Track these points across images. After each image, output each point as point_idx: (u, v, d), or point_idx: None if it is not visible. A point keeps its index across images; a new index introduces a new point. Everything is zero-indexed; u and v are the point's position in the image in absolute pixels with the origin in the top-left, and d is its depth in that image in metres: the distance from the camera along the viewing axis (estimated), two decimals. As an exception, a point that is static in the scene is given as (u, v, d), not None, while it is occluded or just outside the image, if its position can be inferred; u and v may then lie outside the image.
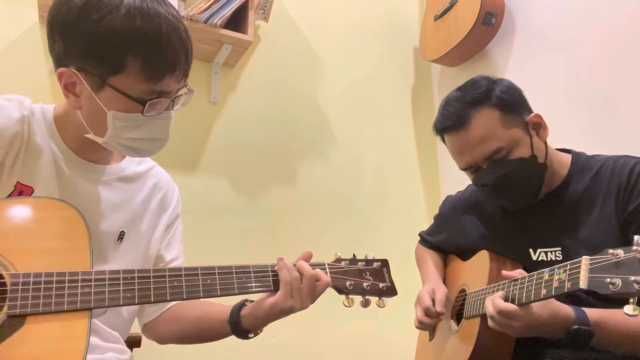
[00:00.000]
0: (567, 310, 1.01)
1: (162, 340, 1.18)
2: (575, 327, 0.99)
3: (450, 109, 1.21)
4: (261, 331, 1.06)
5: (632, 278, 0.78)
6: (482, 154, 1.17)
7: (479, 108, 1.18)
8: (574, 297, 1.11)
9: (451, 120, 1.20)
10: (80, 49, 0.88)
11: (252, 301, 1.07)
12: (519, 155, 1.16)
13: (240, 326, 1.04)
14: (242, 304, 1.07)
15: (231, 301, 1.07)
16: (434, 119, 1.28)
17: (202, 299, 1.12)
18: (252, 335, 1.06)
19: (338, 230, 2.20)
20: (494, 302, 1.05)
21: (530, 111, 1.23)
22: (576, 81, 1.84)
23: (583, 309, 1.02)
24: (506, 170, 1.16)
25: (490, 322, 1.06)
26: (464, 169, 1.24)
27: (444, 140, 1.28)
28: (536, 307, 1.00)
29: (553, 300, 1.02)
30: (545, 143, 1.22)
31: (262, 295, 1.04)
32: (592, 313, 1.01)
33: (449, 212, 1.50)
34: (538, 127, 1.21)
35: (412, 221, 2.37)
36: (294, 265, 1.04)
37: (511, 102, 1.19)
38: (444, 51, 2.26)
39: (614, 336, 1.01)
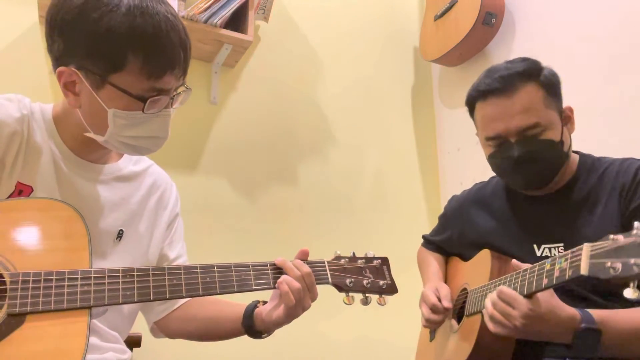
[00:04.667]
0: (571, 309, 1.00)
1: (172, 336, 1.19)
2: (583, 325, 0.98)
3: (500, 74, 1.20)
4: (274, 330, 1.08)
5: (632, 261, 0.77)
6: (518, 125, 1.16)
7: (527, 81, 1.18)
8: (575, 294, 1.11)
9: (499, 84, 1.19)
10: (80, 47, 0.89)
11: (265, 302, 1.08)
12: (550, 137, 1.17)
13: (254, 329, 1.06)
14: (254, 306, 1.08)
15: (239, 298, 1.07)
16: (475, 83, 1.26)
17: (212, 299, 1.14)
18: (265, 335, 1.08)
19: (338, 230, 2.20)
20: (497, 288, 1.05)
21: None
22: (576, 81, 1.84)
23: (587, 309, 1.02)
24: (535, 147, 1.17)
25: (490, 309, 1.05)
26: (491, 138, 1.22)
27: (472, 113, 1.28)
28: (536, 297, 1.00)
29: (556, 298, 1.01)
30: (570, 138, 1.23)
31: (272, 304, 1.05)
32: (597, 312, 1.01)
33: (455, 209, 1.50)
34: (568, 120, 1.24)
35: (412, 221, 2.37)
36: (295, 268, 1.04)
37: (556, 87, 1.21)
38: (444, 51, 2.26)
39: (622, 335, 1.00)
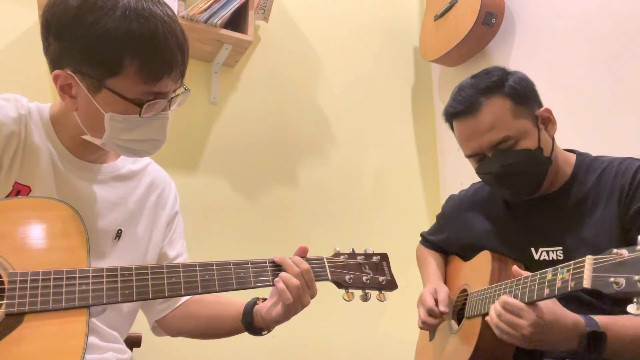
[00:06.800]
0: (575, 315, 1.00)
1: (173, 335, 1.19)
2: (588, 329, 0.97)
3: (463, 94, 1.22)
4: (273, 328, 1.07)
5: (636, 277, 0.77)
6: (489, 141, 1.18)
7: (491, 96, 1.19)
8: (581, 301, 1.10)
9: (462, 105, 1.21)
10: (77, 51, 0.88)
11: (264, 299, 1.07)
12: (526, 147, 1.17)
13: (254, 325, 1.06)
14: (253, 303, 1.08)
15: (240, 295, 1.07)
16: (447, 103, 1.28)
17: (213, 297, 1.14)
18: (265, 332, 1.07)
19: (338, 231, 2.20)
20: (500, 298, 1.04)
21: (540, 105, 1.24)
22: (576, 81, 1.84)
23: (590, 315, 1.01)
24: (511, 160, 1.17)
25: (495, 320, 1.04)
26: (469, 156, 1.25)
27: (452, 128, 1.29)
28: (541, 306, 0.99)
29: (559, 305, 1.01)
30: (553, 139, 1.23)
31: (271, 302, 1.04)
32: (600, 318, 1.00)
33: (452, 210, 1.50)
34: (547, 121, 1.22)
35: (412, 221, 2.37)
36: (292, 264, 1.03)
37: (523, 94, 1.20)
38: (444, 51, 2.26)
39: (625, 340, 0.99)
